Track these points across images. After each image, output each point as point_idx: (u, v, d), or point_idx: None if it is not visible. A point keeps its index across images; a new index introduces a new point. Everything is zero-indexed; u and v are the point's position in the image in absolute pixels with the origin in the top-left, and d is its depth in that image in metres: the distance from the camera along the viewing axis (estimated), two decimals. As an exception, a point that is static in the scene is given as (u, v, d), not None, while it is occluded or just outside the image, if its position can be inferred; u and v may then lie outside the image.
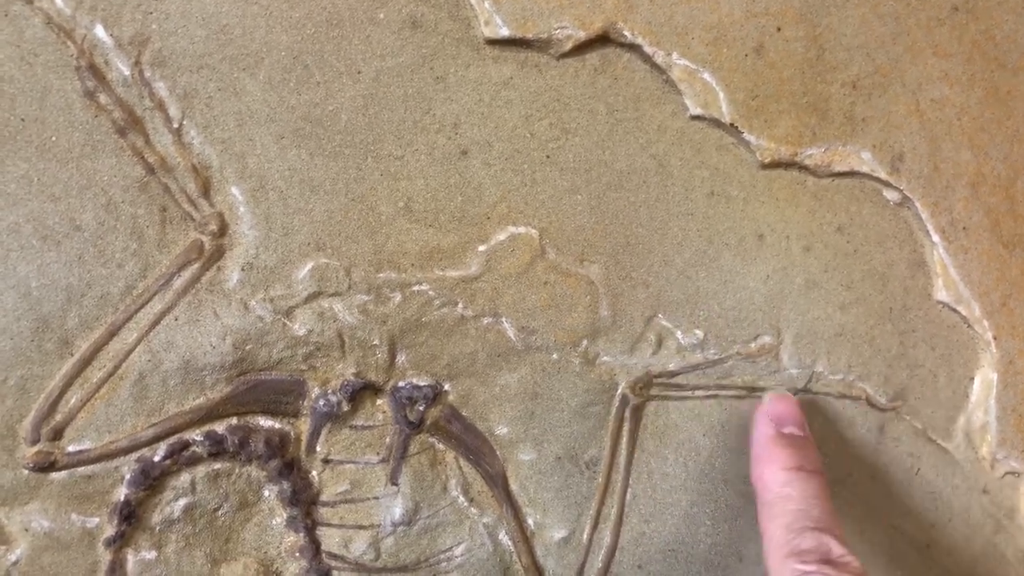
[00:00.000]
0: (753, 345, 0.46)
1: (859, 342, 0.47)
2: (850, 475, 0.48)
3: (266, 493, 0.43)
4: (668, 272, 0.45)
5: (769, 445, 0.45)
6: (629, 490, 0.46)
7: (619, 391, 0.45)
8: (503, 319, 0.44)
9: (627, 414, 0.45)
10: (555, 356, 0.44)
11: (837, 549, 0.40)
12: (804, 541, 0.40)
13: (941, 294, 0.47)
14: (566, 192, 0.43)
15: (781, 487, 0.43)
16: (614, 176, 0.44)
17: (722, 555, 0.47)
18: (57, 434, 0.39)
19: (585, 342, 0.44)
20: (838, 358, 0.47)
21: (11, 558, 0.39)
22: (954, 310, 0.48)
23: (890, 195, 0.47)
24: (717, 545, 0.47)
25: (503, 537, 0.45)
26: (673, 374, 0.46)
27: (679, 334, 0.45)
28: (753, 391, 0.46)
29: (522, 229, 0.43)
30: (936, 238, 0.47)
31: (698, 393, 0.46)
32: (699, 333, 0.45)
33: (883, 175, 0.46)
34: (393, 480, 0.43)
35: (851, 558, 0.40)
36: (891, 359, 0.48)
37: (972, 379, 0.49)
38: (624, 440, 0.46)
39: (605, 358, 0.45)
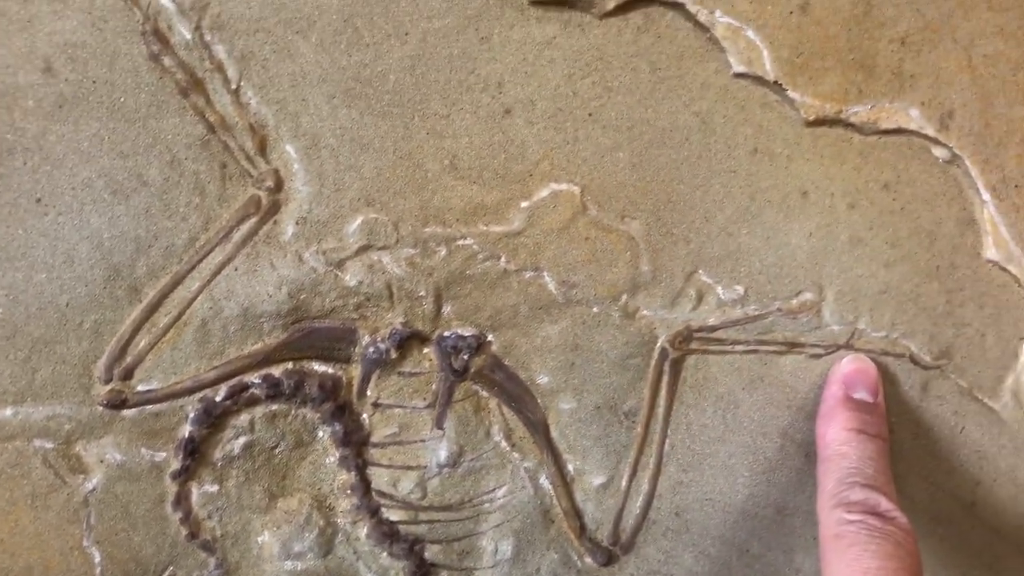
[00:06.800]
0: (794, 302, 0.47)
1: (904, 300, 0.47)
2: (892, 432, 0.49)
3: (320, 434, 0.45)
4: (709, 228, 0.46)
5: (836, 406, 0.46)
6: (667, 441, 0.47)
7: (659, 344, 0.46)
8: (544, 273, 0.45)
9: (666, 367, 0.47)
10: (595, 309, 0.46)
11: (886, 504, 0.41)
12: (853, 493, 0.41)
13: (991, 252, 0.47)
14: (608, 149, 0.44)
15: (840, 445, 0.44)
16: (656, 133, 0.45)
17: (759, 506, 0.49)
18: (128, 374, 0.43)
19: (625, 296, 0.46)
20: (881, 315, 0.47)
21: (88, 486, 0.43)
22: (1004, 269, 0.47)
23: (939, 152, 0.46)
24: (755, 496, 0.48)
25: (543, 481, 0.47)
26: (713, 328, 0.47)
27: (719, 290, 0.46)
28: (793, 347, 0.47)
29: (564, 186, 0.44)
30: (986, 196, 0.46)
31: (738, 348, 0.47)
32: (740, 289, 0.46)
33: (931, 132, 0.45)
34: (438, 424, 0.46)
35: (899, 514, 0.41)
36: (937, 317, 0.48)
37: (1022, 339, 0.48)
38: (663, 392, 0.47)
39: (645, 312, 0.46)
